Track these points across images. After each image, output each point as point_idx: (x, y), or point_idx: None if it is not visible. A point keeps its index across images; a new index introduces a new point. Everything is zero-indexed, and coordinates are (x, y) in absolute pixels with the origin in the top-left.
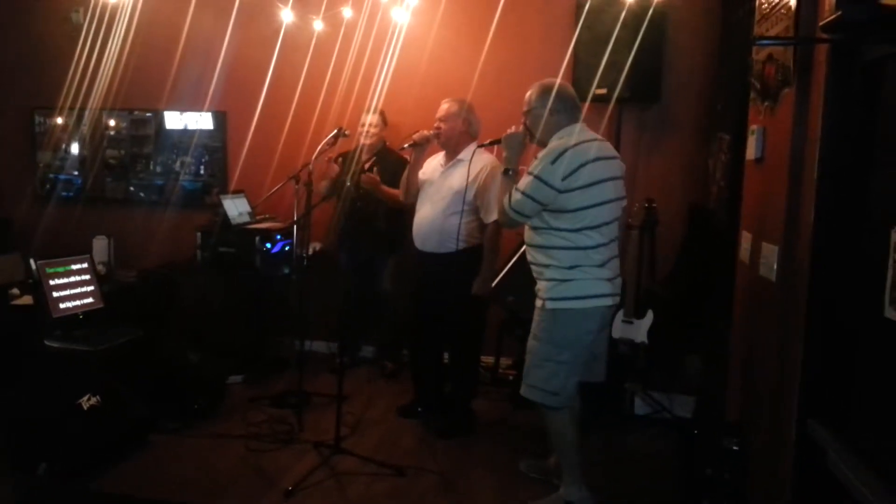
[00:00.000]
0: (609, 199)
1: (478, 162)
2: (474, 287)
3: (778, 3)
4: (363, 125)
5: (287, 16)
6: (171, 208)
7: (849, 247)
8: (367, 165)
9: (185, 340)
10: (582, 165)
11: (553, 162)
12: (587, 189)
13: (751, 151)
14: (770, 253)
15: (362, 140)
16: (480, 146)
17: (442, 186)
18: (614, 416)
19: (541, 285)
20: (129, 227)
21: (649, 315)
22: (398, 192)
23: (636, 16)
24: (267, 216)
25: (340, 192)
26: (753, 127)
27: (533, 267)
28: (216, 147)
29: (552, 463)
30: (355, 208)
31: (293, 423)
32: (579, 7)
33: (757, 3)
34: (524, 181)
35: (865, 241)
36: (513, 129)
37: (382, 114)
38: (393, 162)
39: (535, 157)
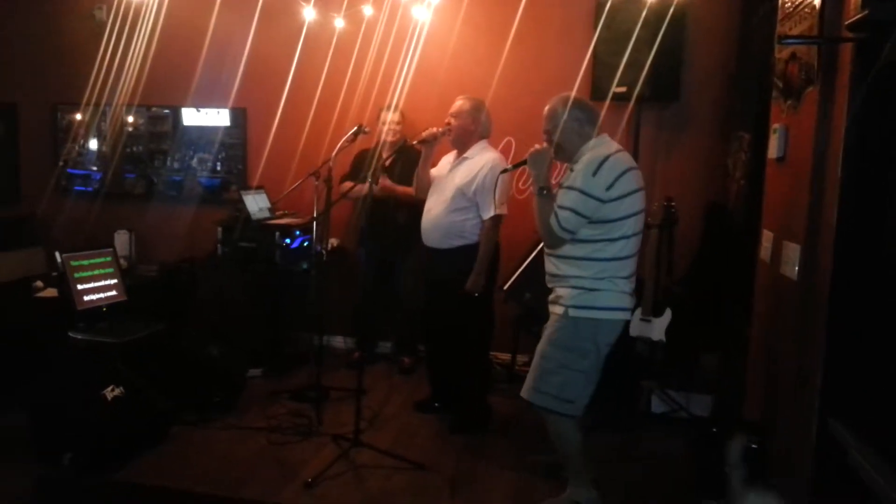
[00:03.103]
0: (640, 210)
1: (480, 159)
2: (468, 284)
3: (801, 2)
4: (384, 123)
5: (308, 14)
6: (191, 204)
7: (871, 246)
8: (388, 163)
9: (206, 334)
10: (621, 175)
11: (594, 174)
12: (625, 199)
13: (773, 150)
14: (792, 252)
15: (384, 137)
16: (504, 171)
17: (448, 183)
18: (631, 414)
19: (562, 291)
20: (149, 221)
21: (667, 313)
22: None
23: (656, 14)
24: (286, 212)
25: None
26: (776, 125)
27: (553, 276)
28: (236, 143)
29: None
30: (377, 206)
31: (312, 416)
32: (599, 6)
33: (780, 1)
34: (565, 197)
35: (888, 241)
36: (536, 147)
37: (402, 112)
38: (414, 159)
39: (569, 170)
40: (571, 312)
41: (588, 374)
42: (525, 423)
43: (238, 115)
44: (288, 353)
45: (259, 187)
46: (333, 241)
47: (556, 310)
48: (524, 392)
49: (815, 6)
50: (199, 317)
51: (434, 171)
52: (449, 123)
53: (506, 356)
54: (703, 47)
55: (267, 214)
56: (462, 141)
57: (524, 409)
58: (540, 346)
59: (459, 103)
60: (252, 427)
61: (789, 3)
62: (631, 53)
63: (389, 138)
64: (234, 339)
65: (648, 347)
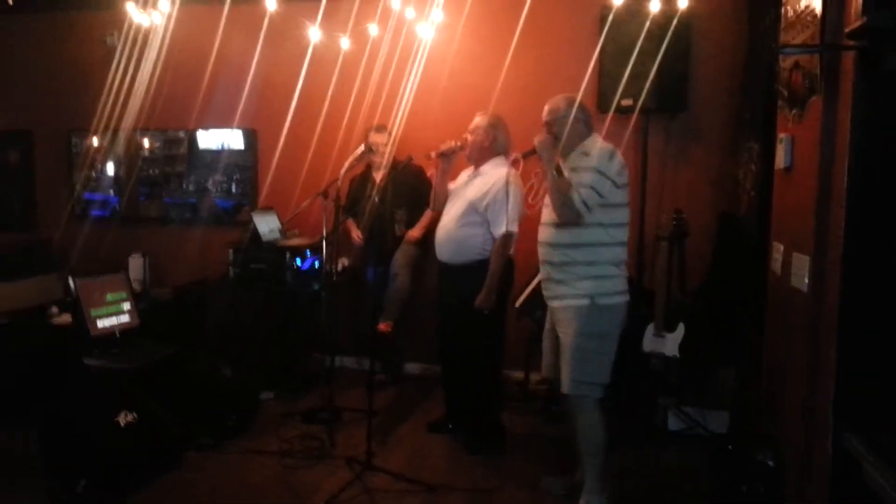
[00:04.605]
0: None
1: (492, 175)
2: (478, 300)
3: (803, 11)
4: (374, 144)
5: (314, 34)
6: (203, 226)
7: (880, 256)
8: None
9: (218, 357)
10: (624, 166)
11: (610, 158)
12: (626, 188)
13: (780, 160)
14: (801, 263)
15: (375, 159)
16: (518, 157)
17: (461, 198)
18: (647, 431)
19: (581, 284)
20: (163, 244)
21: (680, 328)
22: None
23: (661, 25)
24: (296, 232)
25: (358, 211)
26: (782, 135)
27: (567, 268)
28: (247, 165)
29: (576, 479)
30: (374, 220)
31: (324, 438)
32: (603, 18)
33: (782, 10)
34: (583, 176)
35: None
36: (539, 137)
37: (388, 130)
38: (408, 180)
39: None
40: (597, 301)
41: (610, 354)
42: (540, 442)
43: (249, 136)
44: (300, 374)
45: (269, 208)
46: (344, 261)
47: (577, 303)
48: (566, 388)
49: (816, 14)
50: (212, 339)
51: (452, 185)
52: (465, 139)
53: (520, 374)
54: (709, 57)
55: (277, 235)
56: (476, 156)
57: (538, 427)
58: (568, 341)
59: (477, 119)
60: (265, 451)
61: (792, 12)
62: (636, 65)
63: (379, 160)
64: (247, 361)
65: (662, 363)
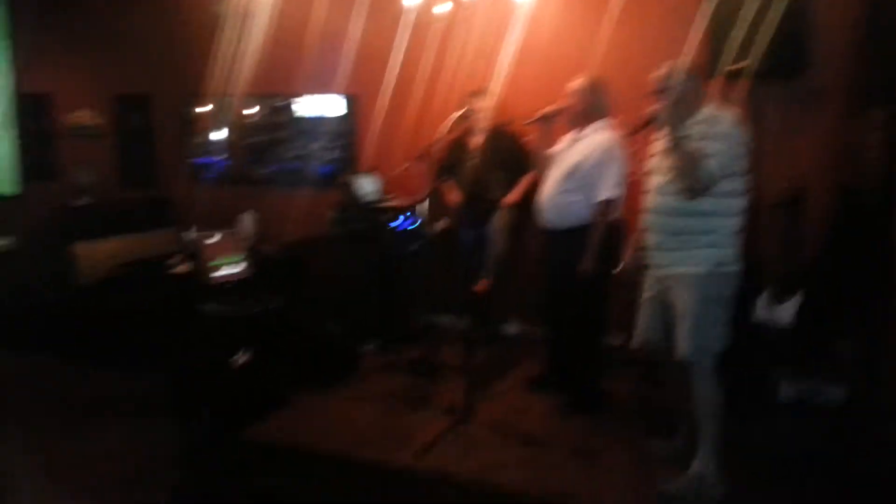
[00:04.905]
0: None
1: (592, 140)
2: (580, 265)
3: None
4: (473, 109)
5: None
6: (307, 188)
7: None
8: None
9: (322, 310)
10: (748, 135)
11: (735, 127)
12: (747, 158)
13: None
14: None
15: (474, 123)
16: (633, 132)
17: (562, 162)
18: (759, 402)
19: (699, 252)
20: (270, 205)
21: (796, 297)
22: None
23: None
24: (395, 195)
25: (457, 174)
26: None
27: (684, 236)
28: (347, 130)
29: (681, 444)
30: (471, 184)
31: (425, 389)
32: None
33: None
34: (708, 146)
35: None
36: (655, 106)
37: (487, 94)
38: (507, 146)
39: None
40: (715, 269)
41: (726, 321)
42: (641, 406)
43: (349, 101)
44: (401, 328)
45: (369, 171)
46: (442, 223)
47: (695, 269)
48: (686, 354)
49: None
50: (316, 293)
51: (555, 149)
52: (566, 103)
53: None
54: (830, 16)
55: (377, 197)
56: (576, 120)
57: (640, 392)
58: (687, 307)
59: (576, 82)
60: (366, 397)
61: None
62: (747, 25)
63: (482, 125)
64: (349, 314)
65: (776, 333)
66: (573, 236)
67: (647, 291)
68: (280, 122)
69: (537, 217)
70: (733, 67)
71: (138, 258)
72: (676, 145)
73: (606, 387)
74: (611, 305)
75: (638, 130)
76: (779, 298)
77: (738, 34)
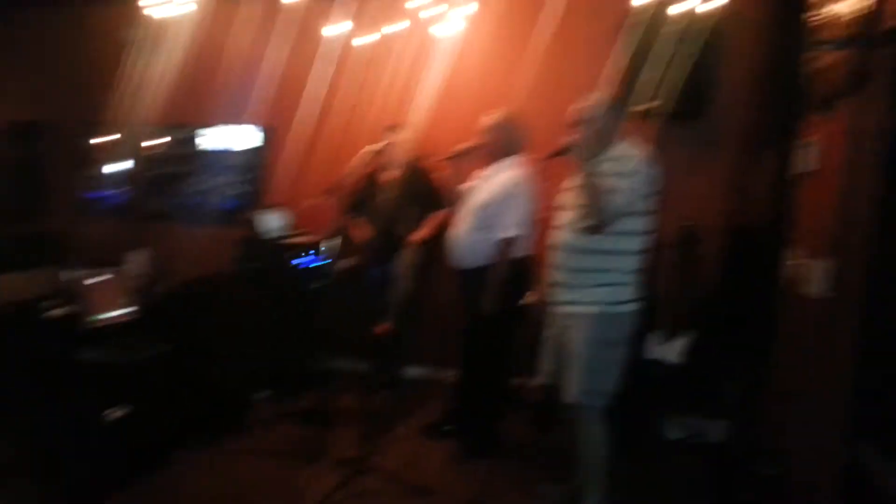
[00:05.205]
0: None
1: (501, 177)
2: (481, 303)
3: (833, 14)
4: (388, 144)
5: (331, 30)
6: (208, 224)
7: None
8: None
9: (215, 354)
10: (657, 174)
11: (645, 165)
12: (655, 196)
13: (803, 164)
14: (820, 269)
15: (388, 158)
16: (545, 158)
17: (473, 200)
18: (647, 440)
19: (594, 291)
20: (168, 242)
21: (686, 336)
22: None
23: (685, 29)
24: (301, 231)
25: (366, 210)
26: (807, 139)
27: (580, 274)
28: (257, 163)
29: (574, 486)
30: (380, 220)
31: (318, 439)
32: (628, 21)
33: (809, 15)
34: (614, 182)
35: None
36: (571, 137)
37: (402, 130)
38: (424, 181)
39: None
40: (609, 309)
41: (620, 364)
42: (537, 449)
43: (259, 133)
44: (297, 374)
45: (275, 206)
46: (349, 261)
47: (588, 310)
48: (570, 397)
49: (849, 16)
50: (210, 336)
51: (467, 187)
52: (478, 140)
53: (519, 380)
54: (732, 62)
55: (282, 233)
56: (489, 157)
57: (536, 434)
58: (577, 349)
59: (488, 119)
60: (257, 450)
61: (820, 17)
62: (659, 69)
63: (389, 159)
64: (244, 359)
65: (665, 371)
66: (484, 275)
67: (549, 330)
68: (184, 155)
69: (449, 255)
70: (643, 107)
71: (11, 300)
72: (586, 178)
73: (506, 429)
74: (516, 346)
75: (549, 158)
76: (670, 337)
77: (649, 76)
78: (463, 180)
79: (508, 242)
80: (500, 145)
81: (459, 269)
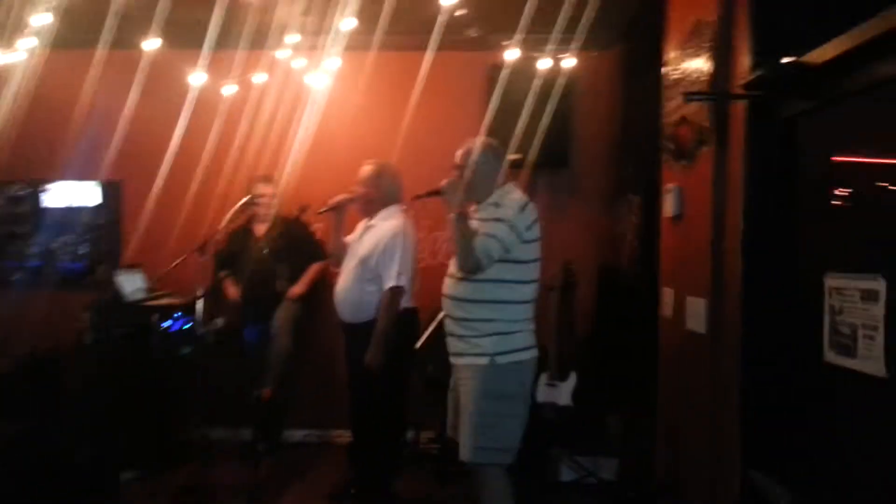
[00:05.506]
0: (540, 258)
1: (382, 227)
2: (366, 358)
3: (688, 70)
4: (259, 196)
5: (194, 80)
6: (51, 289)
7: (780, 295)
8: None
9: (74, 433)
10: (536, 220)
11: (521, 210)
12: (536, 243)
13: (668, 209)
14: (698, 306)
15: (259, 212)
16: (418, 197)
17: (354, 253)
18: (540, 483)
19: (480, 342)
20: (6, 311)
21: (572, 377)
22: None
23: (546, 84)
24: (166, 292)
25: (238, 267)
26: (670, 185)
27: (466, 324)
28: (106, 220)
29: None
30: (254, 276)
31: None
32: (493, 77)
33: (664, 71)
34: (493, 227)
35: (797, 289)
36: (447, 180)
37: (274, 182)
38: (300, 234)
39: (476, 209)
40: (498, 360)
41: (521, 417)
42: None
43: (111, 189)
44: (169, 449)
45: (134, 266)
46: (219, 321)
47: (476, 361)
48: (464, 455)
49: (704, 72)
50: (67, 414)
51: (348, 239)
52: (356, 191)
53: (410, 434)
54: (589, 115)
55: (143, 295)
56: (367, 208)
57: (433, 490)
58: (467, 403)
59: (365, 170)
60: None
61: (676, 73)
62: (523, 121)
63: (265, 212)
64: (107, 437)
65: (555, 413)
66: (370, 330)
67: (451, 382)
68: (21, 213)
69: (333, 310)
70: (511, 157)
71: None
72: (454, 221)
73: (405, 486)
74: (406, 398)
75: (421, 197)
76: (557, 379)
77: (516, 127)
78: (342, 232)
79: (395, 292)
80: (378, 196)
81: (345, 323)
